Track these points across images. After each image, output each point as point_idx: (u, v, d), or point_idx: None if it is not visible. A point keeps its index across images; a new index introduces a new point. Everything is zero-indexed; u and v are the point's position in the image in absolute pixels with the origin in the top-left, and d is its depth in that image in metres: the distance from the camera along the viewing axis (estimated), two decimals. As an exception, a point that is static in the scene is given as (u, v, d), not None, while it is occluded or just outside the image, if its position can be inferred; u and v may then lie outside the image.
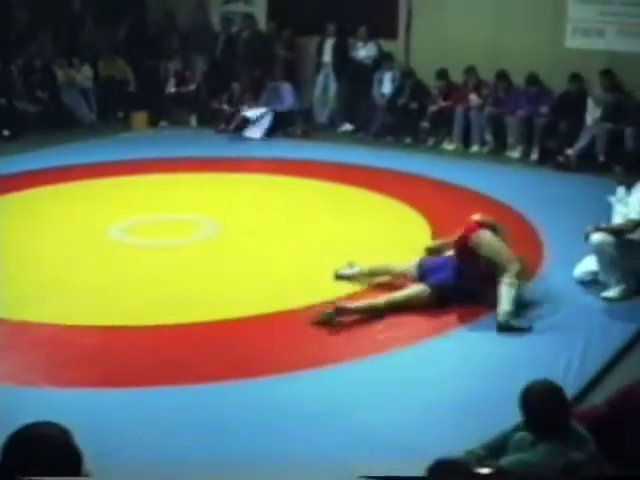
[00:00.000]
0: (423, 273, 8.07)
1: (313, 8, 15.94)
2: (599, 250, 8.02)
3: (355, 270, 8.42)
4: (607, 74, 13.21)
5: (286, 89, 15.49)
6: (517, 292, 7.60)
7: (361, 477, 4.61)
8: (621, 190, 8.35)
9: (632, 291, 8.08)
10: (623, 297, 8.02)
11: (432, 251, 8.53)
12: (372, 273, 8.44)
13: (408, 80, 14.87)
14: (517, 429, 4.80)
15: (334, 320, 7.46)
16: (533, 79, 13.78)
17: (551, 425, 4.57)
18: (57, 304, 7.91)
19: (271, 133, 15.07)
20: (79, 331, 7.34)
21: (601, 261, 8.12)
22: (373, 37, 15.39)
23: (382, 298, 7.80)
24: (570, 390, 6.14)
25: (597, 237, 7.96)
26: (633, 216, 8.07)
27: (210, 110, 15.94)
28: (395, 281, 8.25)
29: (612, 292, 8.05)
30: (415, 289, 7.89)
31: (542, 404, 4.57)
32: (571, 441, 4.53)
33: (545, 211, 9.95)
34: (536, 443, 4.57)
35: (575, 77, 13.46)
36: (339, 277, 8.43)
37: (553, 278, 8.46)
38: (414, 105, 14.64)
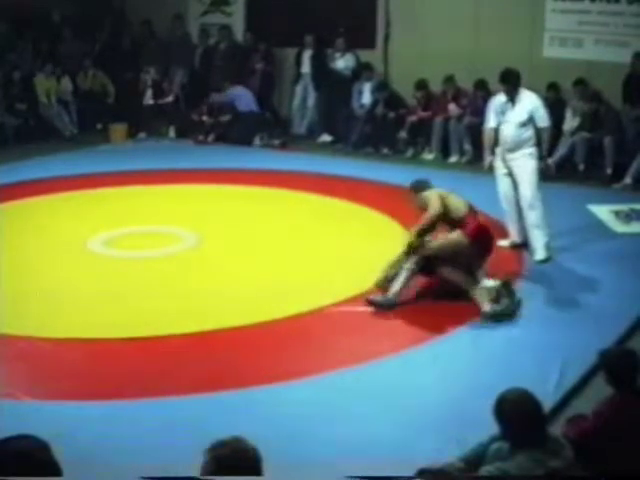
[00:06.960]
0: None
1: (291, 19, 15.99)
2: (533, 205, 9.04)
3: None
4: (580, 84, 13.29)
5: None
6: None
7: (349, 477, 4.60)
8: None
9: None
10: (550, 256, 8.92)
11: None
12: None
13: (382, 91, 14.91)
14: (494, 439, 4.78)
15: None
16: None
17: (527, 434, 4.52)
18: (38, 317, 7.88)
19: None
20: (60, 344, 7.32)
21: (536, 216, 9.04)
22: (351, 47, 15.41)
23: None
24: (552, 399, 6.18)
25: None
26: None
27: (189, 121, 15.95)
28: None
29: (540, 254, 8.92)
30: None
31: (516, 413, 4.52)
32: (549, 449, 4.51)
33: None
34: (514, 453, 4.53)
35: (552, 86, 13.52)
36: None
37: (532, 285, 8.52)
38: (391, 115, 14.68)
